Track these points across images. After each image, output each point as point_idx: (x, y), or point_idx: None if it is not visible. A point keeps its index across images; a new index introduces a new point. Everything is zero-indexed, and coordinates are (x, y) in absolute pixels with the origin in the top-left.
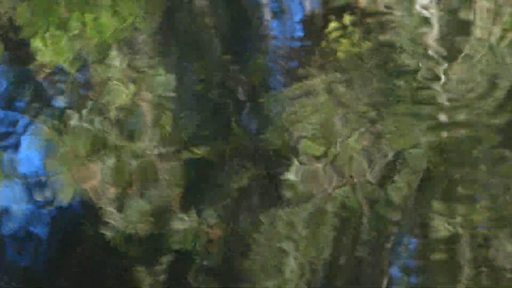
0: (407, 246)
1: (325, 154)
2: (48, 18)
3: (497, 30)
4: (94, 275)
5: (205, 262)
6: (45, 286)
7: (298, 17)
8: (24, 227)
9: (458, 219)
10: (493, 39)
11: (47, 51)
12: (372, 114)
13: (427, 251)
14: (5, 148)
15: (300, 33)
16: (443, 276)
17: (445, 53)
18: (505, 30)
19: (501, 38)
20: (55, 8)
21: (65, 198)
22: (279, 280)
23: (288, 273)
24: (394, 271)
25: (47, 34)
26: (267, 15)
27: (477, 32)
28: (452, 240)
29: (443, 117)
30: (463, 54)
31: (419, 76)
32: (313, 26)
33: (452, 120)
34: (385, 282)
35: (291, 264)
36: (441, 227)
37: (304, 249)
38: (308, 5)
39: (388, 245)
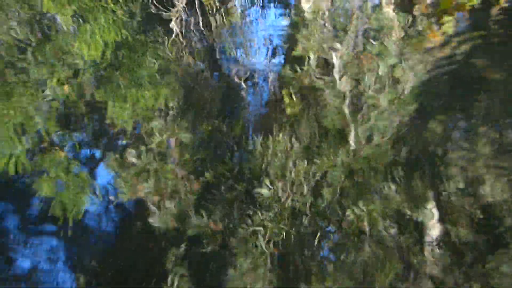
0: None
1: (283, 177)
2: (115, 94)
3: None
4: (139, 256)
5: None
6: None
7: (265, 94)
8: (97, 221)
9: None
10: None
11: (116, 114)
12: (311, 151)
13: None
14: (89, 170)
15: (266, 103)
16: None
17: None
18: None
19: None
20: (118, 86)
21: (124, 201)
22: (252, 257)
23: (259, 250)
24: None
25: (116, 104)
26: (245, 92)
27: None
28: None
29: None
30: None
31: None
32: (274, 98)
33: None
34: None
35: (261, 242)
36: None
37: (269, 235)
38: (270, 87)
39: (317, 237)
